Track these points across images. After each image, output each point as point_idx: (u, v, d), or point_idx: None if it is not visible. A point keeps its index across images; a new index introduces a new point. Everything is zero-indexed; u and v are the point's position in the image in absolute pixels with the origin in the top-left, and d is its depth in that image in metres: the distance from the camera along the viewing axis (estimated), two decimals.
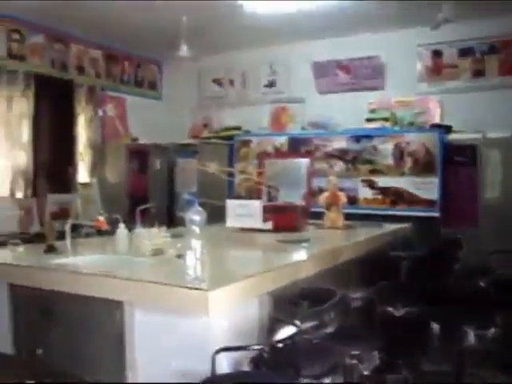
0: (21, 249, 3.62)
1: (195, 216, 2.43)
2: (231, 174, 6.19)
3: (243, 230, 4.32)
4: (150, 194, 7.07)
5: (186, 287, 2.27)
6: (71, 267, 2.88)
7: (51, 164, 6.90)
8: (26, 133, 6.37)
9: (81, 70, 7.13)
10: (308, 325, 2.24)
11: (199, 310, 2.26)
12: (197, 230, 2.41)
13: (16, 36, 6.28)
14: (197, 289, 2.23)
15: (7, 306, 3.12)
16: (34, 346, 2.97)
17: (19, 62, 6.33)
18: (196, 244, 2.39)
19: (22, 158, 6.33)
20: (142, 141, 7.41)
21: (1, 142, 6.13)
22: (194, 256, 2.39)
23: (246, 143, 7.15)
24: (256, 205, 4.26)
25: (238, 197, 5.69)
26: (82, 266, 3.00)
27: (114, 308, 2.59)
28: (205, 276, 2.42)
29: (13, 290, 3.09)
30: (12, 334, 3.09)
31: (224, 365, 2.33)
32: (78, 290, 2.64)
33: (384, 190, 6.13)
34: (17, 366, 2.83)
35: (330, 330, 2.32)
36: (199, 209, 2.47)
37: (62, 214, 6.16)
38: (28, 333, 3.03)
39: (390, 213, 5.91)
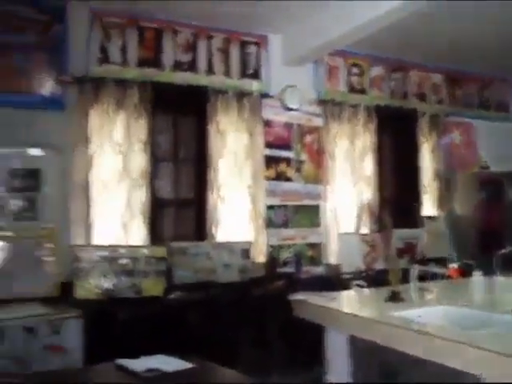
0: (364, 291, 3.36)
1: None
2: None
3: None
4: (505, 228, 6.26)
5: None
6: (415, 324, 2.44)
7: (395, 197, 6.64)
8: (369, 166, 6.22)
9: (422, 97, 6.75)
10: None
11: None
12: None
13: (356, 70, 6.24)
14: None
15: (347, 358, 2.85)
16: None
17: (360, 95, 6.26)
18: None
19: (367, 192, 6.18)
20: (494, 169, 6.65)
21: (346, 177, 6.07)
22: None
23: None
24: None
25: None
26: (429, 324, 2.52)
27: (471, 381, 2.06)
28: None
29: (353, 341, 2.80)
30: None
31: None
32: (423, 353, 2.19)
33: None
34: None
35: None
36: None
37: (408, 250, 5.84)
38: None
39: None
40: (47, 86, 4.72)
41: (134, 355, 2.84)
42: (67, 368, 3.81)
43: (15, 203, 4.54)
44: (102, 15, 4.89)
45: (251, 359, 4.02)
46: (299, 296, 3.38)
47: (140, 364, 2.62)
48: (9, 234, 4.48)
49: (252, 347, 4.21)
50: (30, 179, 4.60)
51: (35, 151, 4.61)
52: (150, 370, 2.52)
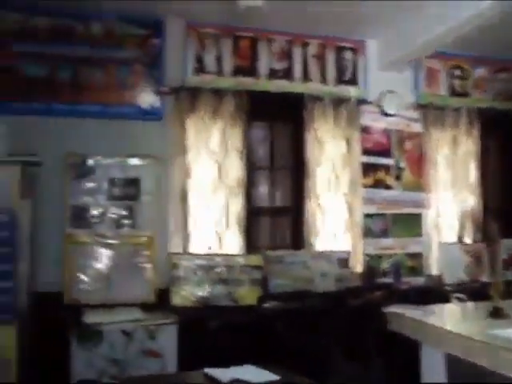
0: (464, 305, 3.19)
1: None
2: None
3: None
4: None
5: None
6: None
7: (502, 205, 6.28)
8: (472, 173, 5.92)
9: None
10: None
11: None
12: None
13: (458, 72, 5.97)
14: None
15: (443, 373, 2.70)
16: None
17: (461, 98, 5.97)
18: None
19: (470, 200, 5.89)
20: None
21: (448, 185, 5.82)
22: None
23: None
24: None
25: None
26: None
27: None
28: None
29: (451, 356, 2.65)
30: None
31: None
32: None
33: None
34: None
35: None
36: None
37: None
38: None
39: None
40: (146, 98, 4.86)
41: (226, 363, 2.85)
42: (155, 374, 3.90)
43: (115, 211, 4.70)
44: (197, 27, 4.97)
45: (344, 372, 3.93)
46: (396, 308, 3.26)
47: (227, 374, 2.61)
48: (110, 241, 4.64)
49: (345, 359, 4.10)
50: (129, 188, 4.74)
51: (134, 160, 4.76)
52: (235, 381, 2.50)
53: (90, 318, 4.17)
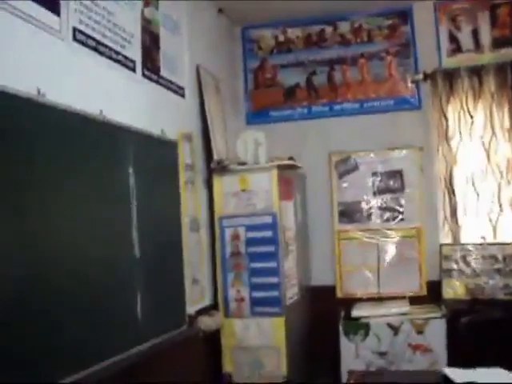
0: None
1: None
2: None
3: None
4: None
5: None
6: None
7: None
8: None
9: None
10: None
11: None
12: None
13: None
14: None
15: None
16: None
17: None
18: None
19: None
20: None
21: None
22: None
23: None
24: None
25: None
26: None
27: None
28: None
29: None
30: None
31: None
32: None
33: None
34: None
35: None
36: None
37: None
38: None
39: None
40: (402, 88, 4.78)
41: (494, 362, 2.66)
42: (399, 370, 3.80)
43: (382, 205, 4.72)
44: (447, 4, 4.69)
45: None
46: None
47: (466, 376, 2.44)
48: (378, 235, 4.69)
49: None
50: (393, 180, 4.73)
51: (396, 153, 4.72)
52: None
53: (359, 311, 4.27)
